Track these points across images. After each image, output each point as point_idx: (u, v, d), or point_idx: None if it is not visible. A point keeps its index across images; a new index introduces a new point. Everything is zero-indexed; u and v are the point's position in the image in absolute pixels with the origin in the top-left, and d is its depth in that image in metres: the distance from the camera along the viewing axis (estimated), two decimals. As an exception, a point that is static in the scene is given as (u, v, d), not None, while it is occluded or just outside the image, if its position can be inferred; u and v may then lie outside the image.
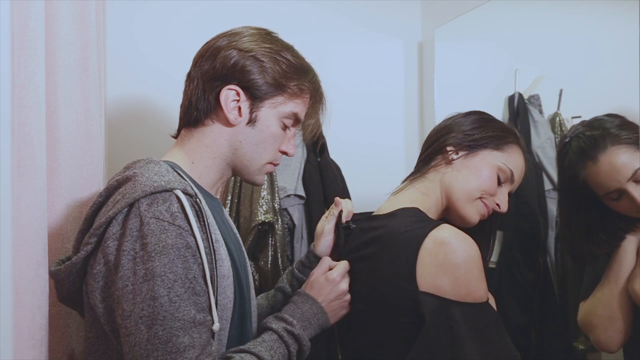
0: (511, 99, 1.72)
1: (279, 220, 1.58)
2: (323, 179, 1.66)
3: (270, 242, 1.57)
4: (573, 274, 1.56)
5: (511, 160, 1.05)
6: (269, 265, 1.56)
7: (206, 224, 0.81)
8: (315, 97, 0.99)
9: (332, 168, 1.70)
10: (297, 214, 1.63)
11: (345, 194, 1.69)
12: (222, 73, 0.91)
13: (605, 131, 1.15)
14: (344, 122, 1.91)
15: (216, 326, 0.80)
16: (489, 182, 1.02)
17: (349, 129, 1.93)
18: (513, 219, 1.63)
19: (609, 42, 1.52)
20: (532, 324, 1.56)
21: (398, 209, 0.98)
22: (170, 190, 0.80)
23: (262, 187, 1.58)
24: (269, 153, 0.96)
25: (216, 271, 0.81)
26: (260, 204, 1.56)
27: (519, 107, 1.69)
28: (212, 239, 0.81)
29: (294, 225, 1.62)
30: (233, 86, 0.91)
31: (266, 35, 0.96)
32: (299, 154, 1.66)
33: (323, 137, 1.74)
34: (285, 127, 0.96)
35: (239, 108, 0.92)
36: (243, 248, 1.05)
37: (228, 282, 0.84)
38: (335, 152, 1.75)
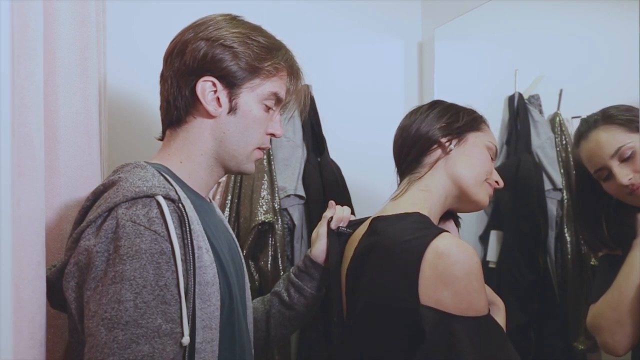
0: (511, 99, 1.72)
1: (279, 220, 1.58)
2: (323, 179, 1.66)
3: (270, 242, 1.57)
4: (573, 274, 1.57)
5: (490, 137, 1.08)
6: (269, 265, 1.56)
7: (188, 230, 0.79)
8: (292, 73, 0.96)
9: (332, 168, 1.70)
10: (297, 214, 1.63)
11: (345, 194, 1.69)
12: (193, 67, 0.88)
13: (604, 113, 1.18)
14: (344, 122, 1.91)
15: (185, 339, 0.75)
16: (489, 163, 1.04)
17: (349, 129, 1.93)
18: (513, 219, 1.63)
19: (609, 42, 1.52)
20: (532, 324, 1.56)
21: (399, 214, 0.96)
22: (152, 195, 0.78)
23: (262, 187, 1.58)
24: (255, 138, 0.93)
25: (194, 279, 0.78)
26: (260, 204, 1.56)
27: (519, 107, 1.69)
28: (193, 246, 0.79)
29: (294, 225, 1.62)
30: (208, 77, 0.89)
31: (232, 20, 0.93)
32: (298, 154, 1.66)
33: (322, 136, 1.75)
34: (268, 109, 0.94)
35: (217, 99, 0.90)
36: (239, 251, 1.03)
37: (213, 289, 0.80)
38: (335, 152, 1.74)
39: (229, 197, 1.62)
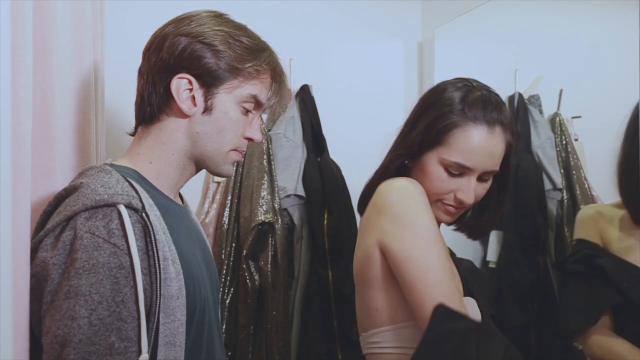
0: (511, 99, 1.72)
1: (279, 220, 1.58)
2: (323, 179, 1.66)
3: (270, 242, 1.57)
4: (573, 274, 1.56)
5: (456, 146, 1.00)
6: (269, 265, 1.56)
7: (153, 240, 0.75)
8: (275, 76, 0.92)
9: (332, 168, 1.70)
10: (297, 214, 1.64)
11: (345, 194, 1.69)
12: (170, 62, 0.85)
13: None
14: (344, 121, 1.91)
15: (143, 357, 0.72)
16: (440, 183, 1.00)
17: (349, 129, 1.93)
18: (513, 219, 1.63)
19: (609, 42, 1.52)
20: (532, 324, 1.56)
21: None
22: (113, 204, 0.74)
23: (262, 187, 1.58)
24: (231, 140, 0.89)
25: (159, 292, 0.74)
26: (260, 204, 1.56)
27: (519, 107, 1.69)
28: (158, 257, 0.74)
29: (294, 225, 1.62)
30: (184, 75, 0.85)
31: (217, 18, 0.89)
32: (298, 154, 1.66)
33: (323, 138, 1.75)
34: (246, 112, 0.89)
35: (193, 97, 0.85)
36: (211, 254, 0.99)
37: (178, 303, 0.76)
38: (335, 152, 1.74)
39: (229, 197, 1.62)
